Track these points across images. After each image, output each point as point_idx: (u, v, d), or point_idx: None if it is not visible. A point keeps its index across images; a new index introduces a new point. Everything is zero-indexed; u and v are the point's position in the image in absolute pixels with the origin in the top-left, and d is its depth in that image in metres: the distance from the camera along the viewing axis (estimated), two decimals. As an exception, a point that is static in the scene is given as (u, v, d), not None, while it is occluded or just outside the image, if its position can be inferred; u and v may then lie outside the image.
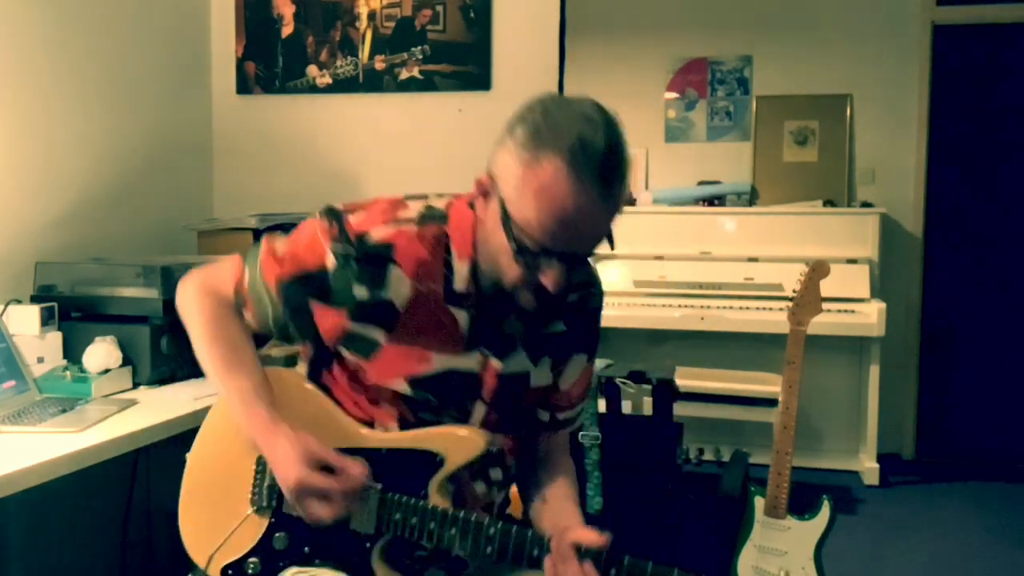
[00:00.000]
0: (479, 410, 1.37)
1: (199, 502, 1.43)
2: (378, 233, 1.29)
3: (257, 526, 1.37)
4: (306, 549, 1.35)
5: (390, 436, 1.35)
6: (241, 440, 1.36)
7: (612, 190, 1.15)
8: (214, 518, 1.39)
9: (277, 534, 1.36)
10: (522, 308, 1.30)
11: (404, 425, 1.36)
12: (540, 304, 1.27)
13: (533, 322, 1.37)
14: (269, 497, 1.37)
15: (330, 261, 1.29)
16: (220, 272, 1.41)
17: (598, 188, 1.13)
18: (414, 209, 1.32)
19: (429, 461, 1.32)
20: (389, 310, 1.29)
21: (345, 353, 1.35)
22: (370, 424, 1.37)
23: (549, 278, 1.20)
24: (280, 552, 1.36)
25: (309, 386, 1.42)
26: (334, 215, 1.32)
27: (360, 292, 1.28)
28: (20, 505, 2.06)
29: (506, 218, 1.18)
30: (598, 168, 1.13)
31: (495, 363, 1.35)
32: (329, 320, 1.32)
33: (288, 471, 1.25)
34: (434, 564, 1.42)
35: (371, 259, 1.28)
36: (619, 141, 1.16)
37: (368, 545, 1.33)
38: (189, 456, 1.45)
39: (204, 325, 1.37)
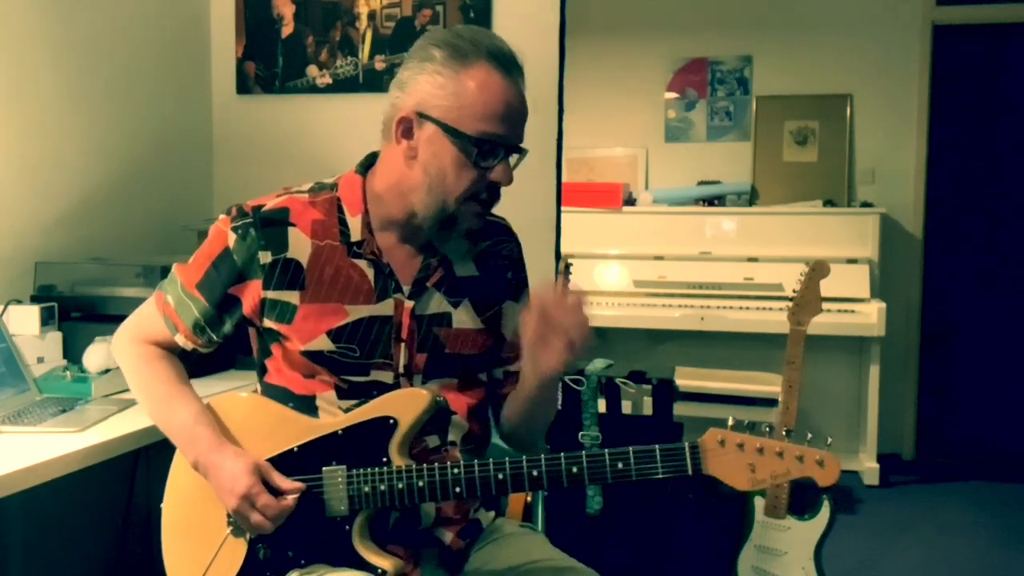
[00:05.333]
0: (402, 353, 1.42)
1: (180, 543, 1.44)
2: (272, 203, 1.43)
3: (238, 548, 1.38)
4: (289, 553, 1.36)
5: (342, 418, 1.39)
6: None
7: (523, 86, 1.38)
8: (196, 553, 1.40)
9: (259, 546, 1.37)
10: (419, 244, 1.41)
11: (340, 393, 1.40)
12: (480, 220, 1.40)
13: (436, 261, 1.45)
14: None
15: (230, 239, 1.40)
16: (145, 315, 1.50)
17: (519, 80, 1.37)
18: (305, 185, 1.47)
19: (384, 427, 1.36)
20: (296, 270, 1.39)
21: (270, 324, 1.40)
22: (314, 406, 1.41)
23: (499, 173, 1.35)
24: (265, 563, 1.36)
25: (260, 398, 1.46)
26: (233, 206, 1.44)
27: (265, 258, 1.38)
28: (20, 505, 2.06)
29: (454, 132, 1.32)
30: (514, 66, 1.36)
31: (407, 303, 1.42)
32: (249, 296, 1.41)
33: (237, 482, 1.31)
34: (429, 554, 1.42)
35: (269, 223, 1.40)
36: (509, 46, 1.39)
37: (347, 527, 1.34)
38: (163, 505, 1.46)
39: (138, 370, 1.47)
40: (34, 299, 2.12)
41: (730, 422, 1.30)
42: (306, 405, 1.41)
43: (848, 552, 3.41)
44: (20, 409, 1.75)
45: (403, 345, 1.42)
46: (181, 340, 1.46)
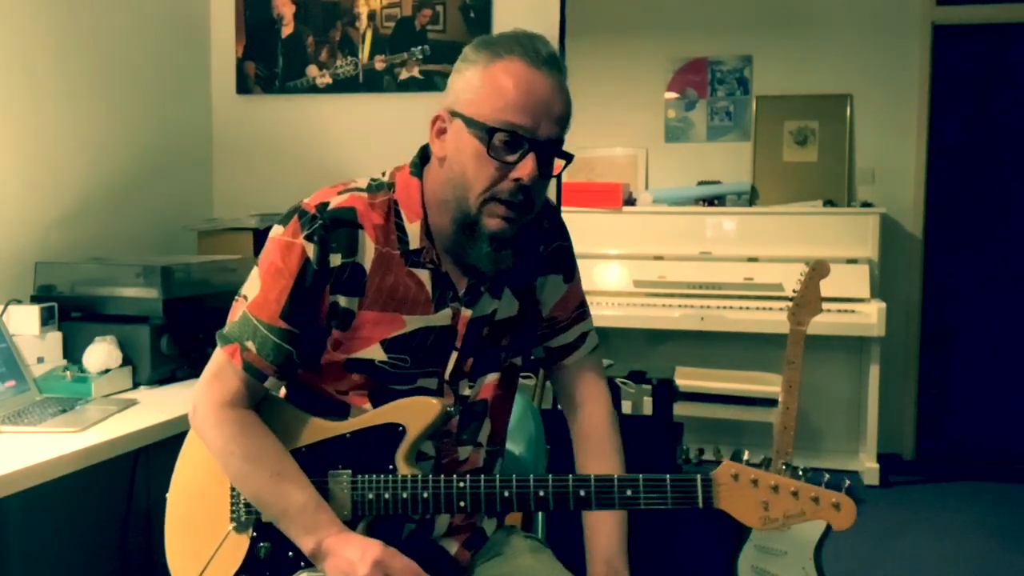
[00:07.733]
0: (452, 360, 1.39)
1: (183, 534, 1.43)
2: (336, 201, 1.34)
3: (240, 544, 1.37)
4: (290, 553, 1.34)
5: (352, 421, 1.36)
6: (217, 467, 1.36)
7: (562, 81, 1.30)
8: (198, 546, 1.39)
9: (260, 544, 1.36)
10: (479, 252, 1.32)
11: (376, 399, 1.36)
12: (507, 226, 1.30)
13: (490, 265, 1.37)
14: (247, 512, 1.36)
15: (309, 250, 1.31)
16: (222, 375, 1.35)
17: (554, 75, 1.28)
18: (361, 181, 1.39)
19: (392, 434, 1.33)
20: (359, 275, 1.33)
21: (332, 329, 1.34)
22: (344, 415, 1.37)
23: (523, 169, 1.26)
24: (265, 562, 1.35)
25: (271, 397, 1.41)
26: (287, 215, 1.35)
27: (335, 260, 1.31)
28: (20, 505, 2.06)
29: (474, 123, 1.26)
30: (548, 60, 1.28)
31: (466, 312, 1.39)
32: (324, 304, 1.33)
33: (367, 551, 1.25)
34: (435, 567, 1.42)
35: (340, 223, 1.32)
36: (552, 48, 1.32)
37: None
38: (168, 495, 1.45)
39: (236, 444, 1.33)
40: (34, 299, 2.11)
41: (745, 456, 1.27)
42: (335, 410, 1.38)
43: (848, 552, 3.41)
44: (20, 409, 1.76)
45: (456, 353, 1.39)
46: (271, 384, 1.36)
